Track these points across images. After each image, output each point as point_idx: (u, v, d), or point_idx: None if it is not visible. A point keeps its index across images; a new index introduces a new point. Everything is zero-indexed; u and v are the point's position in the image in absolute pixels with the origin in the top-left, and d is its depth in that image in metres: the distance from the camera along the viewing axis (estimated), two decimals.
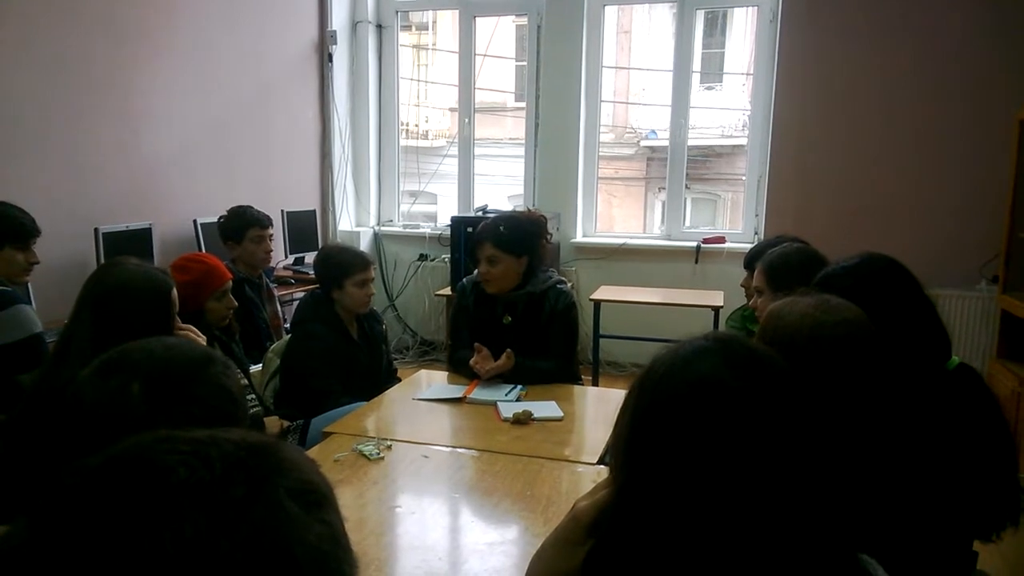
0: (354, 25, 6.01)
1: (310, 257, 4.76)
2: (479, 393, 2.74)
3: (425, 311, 5.98)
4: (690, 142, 5.68)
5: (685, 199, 5.90)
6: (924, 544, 1.46)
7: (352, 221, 6.18)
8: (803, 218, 4.88)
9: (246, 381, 2.63)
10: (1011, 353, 4.14)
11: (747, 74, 6.31)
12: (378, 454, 2.19)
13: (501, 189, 7.15)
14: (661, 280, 5.09)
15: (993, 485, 1.58)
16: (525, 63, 6.01)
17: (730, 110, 7.99)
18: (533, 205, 5.27)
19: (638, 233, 6.21)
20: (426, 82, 7.01)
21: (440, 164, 6.38)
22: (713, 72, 8.77)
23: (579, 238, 5.68)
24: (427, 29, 7.64)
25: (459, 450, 2.29)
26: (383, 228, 6.22)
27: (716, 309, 4.24)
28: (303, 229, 5.35)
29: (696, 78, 6.61)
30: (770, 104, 5.12)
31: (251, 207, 3.92)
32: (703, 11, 6.70)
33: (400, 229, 6.20)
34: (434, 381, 3.00)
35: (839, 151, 4.98)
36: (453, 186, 6.20)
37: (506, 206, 6.09)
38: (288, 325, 3.71)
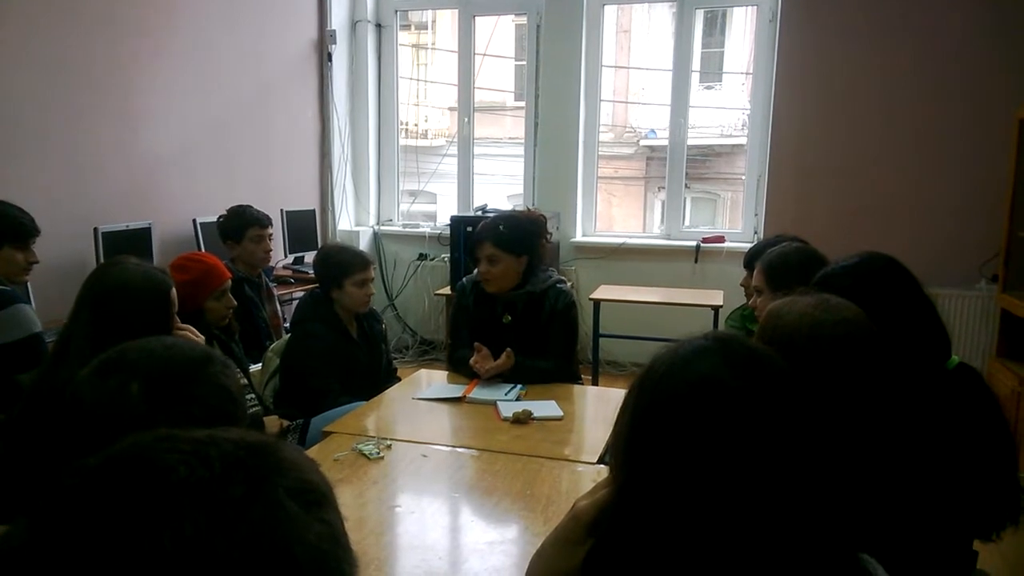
0: (353, 24, 6.01)
1: (310, 256, 4.76)
2: (479, 392, 2.74)
3: (425, 310, 5.98)
4: (690, 141, 5.68)
5: (685, 198, 5.90)
6: (924, 543, 1.46)
7: (351, 220, 6.18)
8: (802, 217, 4.88)
9: (245, 380, 2.63)
10: (1011, 352, 4.15)
11: (747, 73, 6.31)
12: (378, 453, 2.19)
13: (500, 188, 7.14)
14: (661, 279, 5.08)
15: (993, 484, 1.58)
16: (524, 62, 6.01)
17: (729, 109, 7.98)
18: (533, 204, 5.27)
19: (638, 232, 6.22)
20: (425, 81, 7.01)
21: (439, 163, 6.38)
22: (713, 71, 8.76)
23: (579, 237, 5.68)
24: (426, 28, 7.64)
25: (459, 449, 2.29)
26: (383, 227, 6.22)
27: (716, 308, 4.25)
28: (303, 228, 5.35)
29: (696, 77, 6.61)
30: (769, 104, 5.12)
31: (250, 206, 3.92)
32: (702, 10, 6.70)
33: (400, 228, 6.20)
34: (434, 380, 3.00)
35: (839, 151, 4.98)
36: (452, 185, 6.20)
37: (506, 205, 6.08)
38: (288, 324, 3.71)
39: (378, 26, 6.12)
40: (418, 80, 6.77)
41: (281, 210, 5.08)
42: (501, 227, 2.96)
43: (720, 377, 0.95)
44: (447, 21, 7.42)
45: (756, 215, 5.39)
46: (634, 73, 8.26)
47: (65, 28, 3.75)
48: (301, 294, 4.06)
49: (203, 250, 4.11)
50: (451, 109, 6.56)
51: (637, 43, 8.46)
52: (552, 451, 2.24)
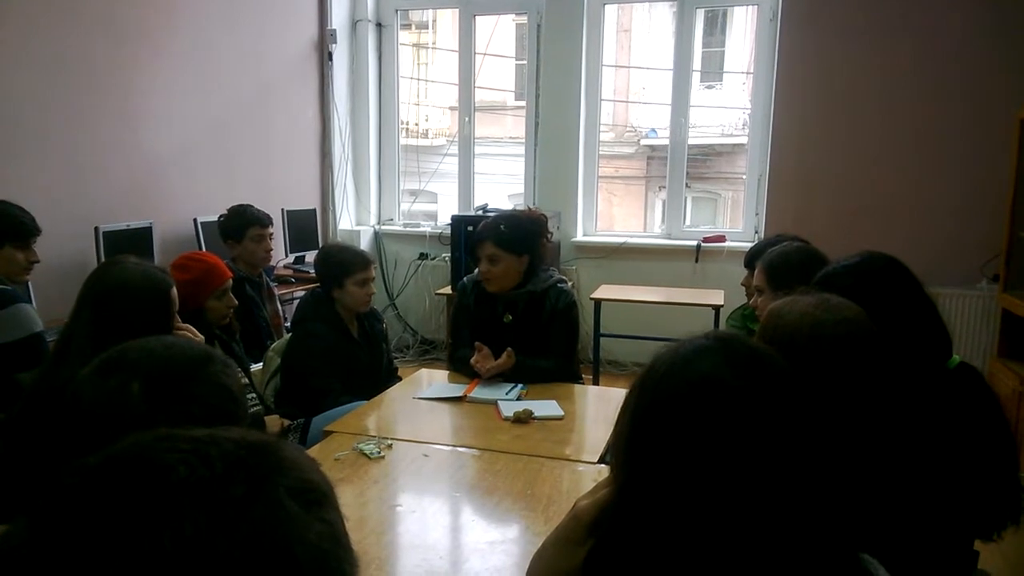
0: (354, 24, 6.01)
1: (310, 256, 4.77)
2: (479, 392, 2.74)
3: (425, 310, 5.98)
4: (690, 141, 5.67)
5: (685, 198, 5.90)
6: (925, 543, 1.46)
7: (352, 220, 6.18)
8: (803, 217, 4.88)
9: (246, 380, 2.63)
10: (1012, 352, 4.14)
11: (747, 73, 6.31)
12: (379, 453, 2.19)
13: (501, 188, 7.15)
14: (661, 279, 5.08)
15: (994, 484, 1.58)
16: (525, 62, 6.01)
17: (730, 109, 7.99)
18: (533, 204, 5.26)
19: (638, 232, 6.22)
20: (426, 81, 7.01)
21: (440, 163, 6.38)
22: (713, 71, 8.77)
23: (579, 237, 5.68)
24: (427, 28, 7.64)
25: (460, 449, 2.29)
26: (383, 227, 6.22)
27: (716, 308, 4.24)
28: (303, 228, 5.35)
29: (696, 77, 6.61)
30: (770, 103, 5.12)
31: (251, 206, 3.92)
32: (703, 10, 6.70)
33: (400, 228, 6.20)
34: (434, 380, 3.00)
35: (839, 150, 4.98)
36: (453, 185, 6.20)
37: (506, 205, 6.09)
38: (288, 324, 3.72)
39: (379, 25, 6.12)
40: (419, 79, 6.77)
41: (282, 209, 5.08)
42: (502, 227, 2.96)
43: (721, 377, 0.95)
44: (447, 20, 7.42)
45: (757, 215, 5.38)
46: (635, 72, 8.26)
47: (65, 28, 3.75)
48: (302, 293, 4.05)
49: (204, 249, 4.11)
50: (452, 108, 6.56)
51: (638, 42, 8.46)
52: (553, 451, 2.24)
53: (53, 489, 0.55)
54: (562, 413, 2.54)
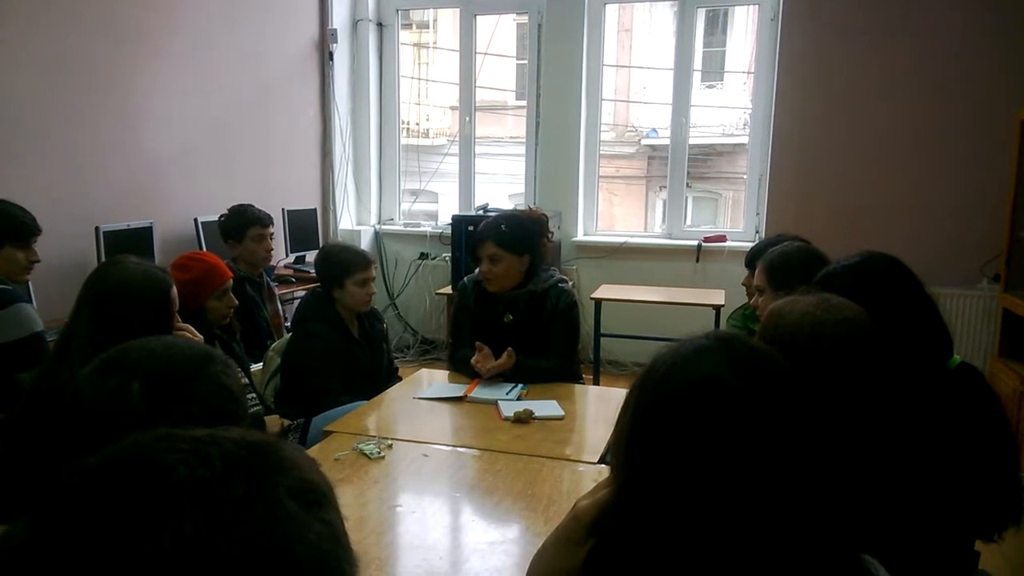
0: (355, 23, 6.01)
1: (311, 256, 4.77)
2: (480, 392, 2.74)
3: (426, 310, 5.98)
4: (691, 141, 5.67)
5: (686, 198, 5.90)
6: (926, 544, 1.46)
7: (353, 220, 6.18)
8: (804, 217, 4.87)
9: (246, 380, 2.63)
10: (1012, 352, 4.14)
11: (748, 73, 6.30)
12: (379, 453, 2.19)
13: (502, 188, 7.14)
14: (662, 279, 5.08)
15: (995, 484, 1.58)
16: (526, 61, 6.01)
17: (731, 108, 7.98)
18: (534, 204, 5.26)
19: (639, 232, 6.22)
20: (427, 80, 7.01)
21: (441, 163, 6.38)
22: (714, 70, 8.76)
23: (580, 237, 5.68)
24: (428, 27, 7.64)
25: (460, 449, 2.28)
26: (384, 227, 6.22)
27: (717, 308, 4.24)
28: (304, 228, 5.35)
29: (697, 76, 6.61)
30: (771, 103, 5.12)
31: (252, 206, 3.92)
32: (704, 9, 6.70)
33: (401, 228, 6.20)
34: (435, 380, 3.00)
35: (840, 150, 4.98)
36: (454, 185, 6.20)
37: (507, 205, 6.08)
38: (289, 324, 3.71)
39: (379, 25, 6.12)
40: (419, 79, 6.77)
41: (282, 209, 5.08)
42: (503, 226, 2.96)
43: (721, 376, 0.95)
44: (448, 20, 7.42)
45: (757, 214, 5.38)
46: (635, 72, 8.26)
47: (65, 28, 3.75)
48: (302, 293, 4.05)
49: (204, 249, 4.11)
50: (452, 108, 6.56)
51: (638, 42, 8.46)
52: (553, 451, 2.24)
53: (53, 489, 0.55)
54: (562, 413, 2.54)
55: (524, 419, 2.46)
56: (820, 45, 4.93)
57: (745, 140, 5.81)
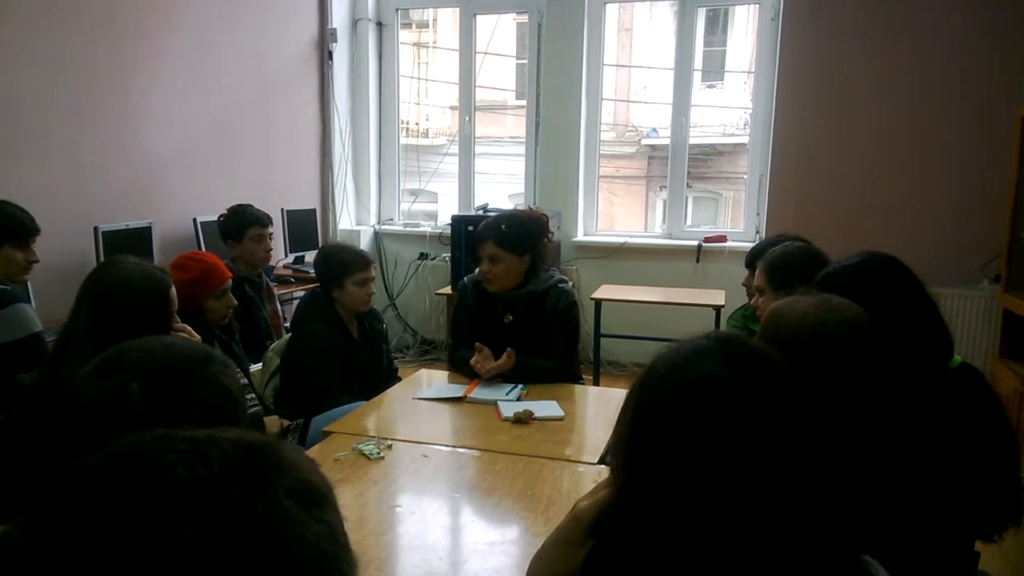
0: (354, 23, 6.01)
1: (310, 256, 4.77)
2: (479, 392, 2.73)
3: (425, 310, 5.98)
4: (691, 140, 5.67)
5: (686, 198, 5.89)
6: (926, 544, 1.46)
7: (352, 220, 6.18)
8: (804, 217, 4.87)
9: (246, 380, 2.63)
10: (1013, 352, 4.14)
11: (748, 72, 6.30)
12: (378, 453, 2.19)
13: (502, 188, 7.14)
14: (662, 279, 5.08)
15: (995, 485, 1.57)
16: (526, 61, 6.01)
17: (731, 108, 7.98)
18: (534, 204, 5.27)
19: (639, 232, 6.22)
20: (426, 80, 7.01)
21: (440, 162, 6.38)
22: (714, 70, 8.76)
23: (580, 237, 5.68)
24: (427, 27, 7.64)
25: (459, 449, 2.28)
26: (383, 227, 6.22)
27: (717, 308, 4.24)
28: (303, 228, 5.35)
29: (697, 76, 6.60)
30: (771, 102, 5.12)
31: (251, 206, 3.92)
32: (704, 9, 6.70)
33: (400, 228, 6.20)
34: (434, 380, 2.99)
35: (840, 150, 4.98)
36: (454, 185, 6.20)
37: (507, 205, 6.08)
38: (288, 324, 3.71)
39: (379, 24, 6.12)
40: (419, 79, 6.77)
41: (282, 209, 5.07)
42: (503, 226, 2.95)
43: (721, 377, 0.95)
44: (448, 19, 7.42)
45: (758, 214, 5.38)
46: (636, 72, 8.26)
47: (65, 28, 3.75)
48: (302, 293, 4.05)
49: (203, 249, 4.10)
50: (452, 108, 6.56)
51: (639, 42, 8.46)
52: (553, 451, 2.24)
53: (52, 489, 0.55)
54: (562, 414, 2.54)
55: (524, 419, 2.46)
56: (820, 45, 4.93)
57: (745, 140, 5.81)
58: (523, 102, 6.19)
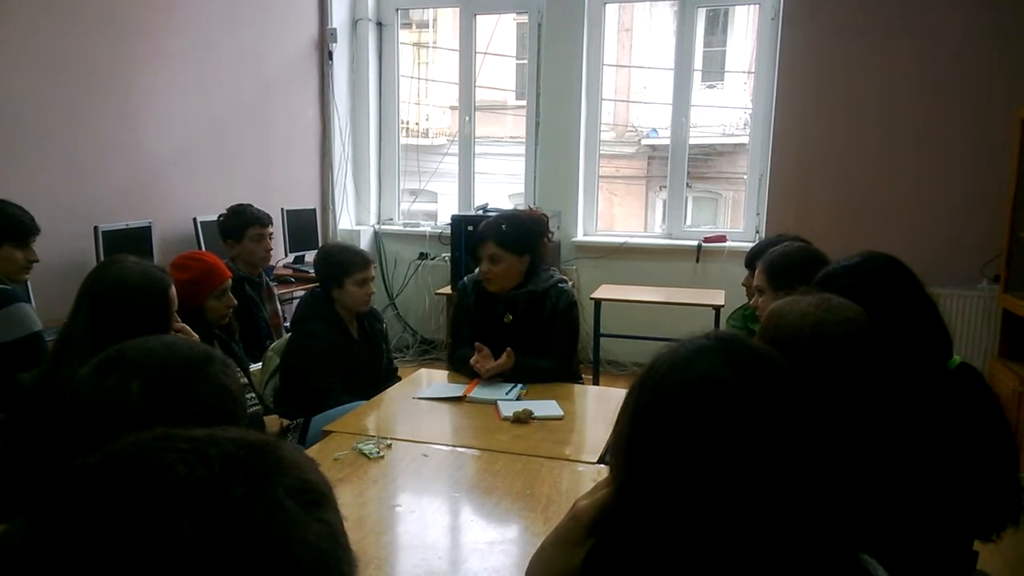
0: (354, 23, 6.01)
1: (310, 256, 4.77)
2: (479, 392, 2.73)
3: (425, 310, 5.98)
4: (691, 140, 5.67)
5: (686, 198, 5.89)
6: (924, 544, 1.46)
7: (352, 220, 6.18)
8: (804, 217, 4.87)
9: (246, 380, 2.63)
10: (1012, 352, 4.14)
11: (748, 72, 6.31)
12: (378, 453, 2.19)
13: (502, 188, 7.15)
14: (662, 279, 5.08)
15: (994, 484, 1.58)
16: (526, 61, 6.01)
17: (731, 108, 7.98)
18: (534, 204, 5.26)
19: (639, 232, 6.22)
20: (426, 80, 7.01)
21: (440, 162, 6.38)
22: (714, 70, 8.76)
23: (580, 237, 5.68)
24: (427, 27, 7.64)
25: (459, 449, 2.28)
26: (383, 227, 6.22)
27: (717, 308, 4.24)
28: (303, 227, 5.35)
29: (697, 76, 6.61)
30: (771, 103, 5.12)
31: (251, 205, 3.92)
32: (704, 9, 6.70)
33: (400, 228, 6.20)
34: (434, 380, 3.00)
35: (840, 150, 4.98)
36: (453, 184, 6.20)
37: (507, 205, 6.09)
38: (288, 324, 3.71)
39: (379, 24, 6.12)
40: (419, 79, 6.77)
41: (282, 209, 5.07)
42: (503, 226, 2.96)
43: (721, 377, 0.95)
44: (448, 19, 7.42)
45: (758, 214, 5.38)
46: (636, 72, 8.26)
47: (65, 28, 3.75)
48: (301, 293, 4.05)
49: (203, 249, 4.11)
50: (452, 108, 6.56)
51: (639, 42, 8.46)
52: (552, 451, 2.24)
53: (52, 489, 0.55)
54: (562, 413, 2.54)
55: (523, 419, 2.46)
56: (820, 45, 4.93)
57: (745, 140, 5.81)
58: (523, 102, 6.19)
